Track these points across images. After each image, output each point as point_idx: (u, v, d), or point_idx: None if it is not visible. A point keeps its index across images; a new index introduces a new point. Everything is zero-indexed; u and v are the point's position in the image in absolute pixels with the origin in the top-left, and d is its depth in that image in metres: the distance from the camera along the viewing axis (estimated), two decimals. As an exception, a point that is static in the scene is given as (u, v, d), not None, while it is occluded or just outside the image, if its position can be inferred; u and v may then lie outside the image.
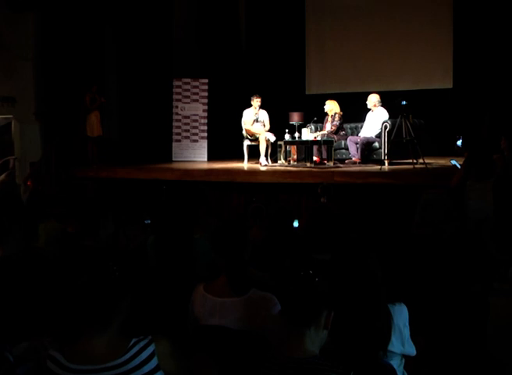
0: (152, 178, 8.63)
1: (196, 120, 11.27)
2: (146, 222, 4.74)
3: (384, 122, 8.67)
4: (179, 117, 11.29)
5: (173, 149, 11.24)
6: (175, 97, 11.27)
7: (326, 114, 9.60)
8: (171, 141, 11.25)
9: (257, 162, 9.22)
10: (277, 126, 9.47)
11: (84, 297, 2.16)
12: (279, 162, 9.48)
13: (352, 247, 2.64)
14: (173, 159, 11.11)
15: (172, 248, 3.62)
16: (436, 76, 11.13)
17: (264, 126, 9.46)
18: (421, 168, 7.84)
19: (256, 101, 9.36)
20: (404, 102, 7.89)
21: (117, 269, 2.18)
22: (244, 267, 2.84)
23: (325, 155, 9.06)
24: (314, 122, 9.64)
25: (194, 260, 3.71)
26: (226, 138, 11.14)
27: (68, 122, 10.07)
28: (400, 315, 2.61)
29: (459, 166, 6.32)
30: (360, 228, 5.08)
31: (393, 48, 11.48)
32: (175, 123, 11.28)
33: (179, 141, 11.28)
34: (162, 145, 11.27)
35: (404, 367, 2.67)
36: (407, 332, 2.62)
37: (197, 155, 11.15)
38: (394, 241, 4.04)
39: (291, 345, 2.15)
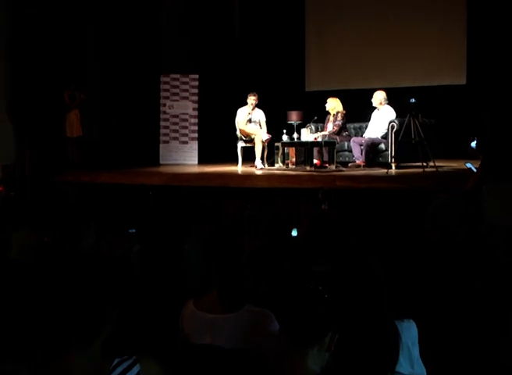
0: (137, 183, 8.63)
1: (185, 120, 11.29)
2: (131, 231, 4.74)
3: (391, 121, 8.70)
4: (167, 116, 11.31)
5: (161, 151, 11.26)
6: (162, 94, 11.30)
7: (328, 113, 9.63)
8: (158, 142, 11.27)
9: (253, 166, 9.23)
10: (274, 126, 9.50)
11: (62, 313, 2.15)
12: (276, 165, 9.51)
13: (353, 253, 2.64)
14: (161, 162, 11.13)
15: (159, 260, 3.62)
16: (448, 70, 11.18)
17: (259, 126, 9.48)
18: (431, 172, 7.87)
19: (251, 99, 9.38)
20: (413, 100, 7.93)
21: (99, 282, 2.18)
22: (238, 280, 2.85)
23: (326, 158, 9.09)
24: (315, 121, 9.66)
25: (184, 273, 3.71)
26: (219, 139, 11.17)
27: (44, 121, 10.08)
28: (409, 332, 2.61)
29: (475, 170, 6.34)
30: (364, 237, 5.09)
31: (401, 41, 11.53)
32: (162, 123, 11.30)
33: (167, 142, 11.29)
34: (149, 147, 11.28)
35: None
36: (416, 351, 2.62)
37: (186, 158, 11.17)
38: (401, 251, 4.05)
39: (292, 365, 2.15)
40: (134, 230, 4.75)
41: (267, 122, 9.55)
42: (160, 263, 3.61)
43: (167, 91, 11.32)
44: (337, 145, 9.09)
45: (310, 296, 2.15)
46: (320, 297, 2.14)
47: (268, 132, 9.43)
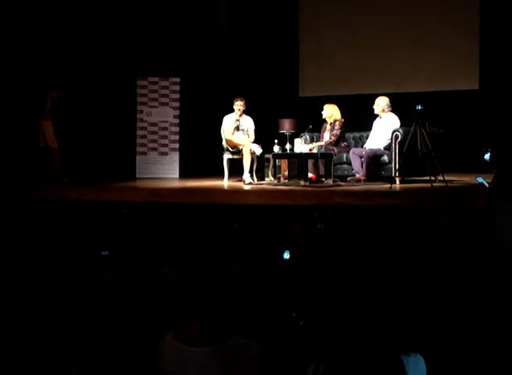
0: (111, 200, 8.59)
1: (165, 128, 11.28)
2: (103, 253, 4.72)
3: (395, 130, 8.72)
4: (145, 124, 11.30)
5: (137, 164, 11.24)
6: (139, 99, 11.30)
7: (324, 121, 9.65)
8: (134, 153, 11.24)
9: (240, 180, 9.22)
10: (264, 136, 9.50)
11: (25, 349, 2.13)
12: (267, 179, 9.50)
13: (351, 276, 2.65)
14: (137, 176, 11.10)
15: (134, 286, 3.61)
16: (459, 74, 11.24)
17: (248, 135, 9.49)
18: (440, 187, 7.89)
19: (238, 105, 9.40)
20: (419, 107, 7.96)
21: (67, 313, 2.16)
22: (223, 309, 2.83)
23: (322, 172, 9.09)
24: (310, 130, 9.67)
25: (162, 300, 3.70)
26: (203, 150, 11.16)
27: (8, 131, 10.07)
28: (416, 369, 2.60)
29: (487, 185, 6.36)
30: (365, 260, 5.09)
31: (407, 42, 11.61)
32: (139, 132, 11.29)
33: (144, 153, 11.28)
34: (124, 159, 11.26)
35: None
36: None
37: (166, 171, 11.15)
38: (407, 275, 4.05)
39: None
40: (107, 253, 4.72)
41: (256, 131, 9.55)
42: (135, 290, 3.59)
43: (144, 95, 11.32)
44: (335, 157, 9.09)
45: (283, 324, 2.15)
46: (295, 324, 2.15)
47: (258, 142, 9.42)
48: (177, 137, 11.28)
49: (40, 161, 9.93)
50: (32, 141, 9.91)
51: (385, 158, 8.91)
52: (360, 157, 8.96)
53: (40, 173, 9.87)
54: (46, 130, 9.86)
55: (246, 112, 9.52)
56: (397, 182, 8.41)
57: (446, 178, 7.96)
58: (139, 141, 11.30)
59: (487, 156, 9.70)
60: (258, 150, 9.26)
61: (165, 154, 11.28)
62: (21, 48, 10.36)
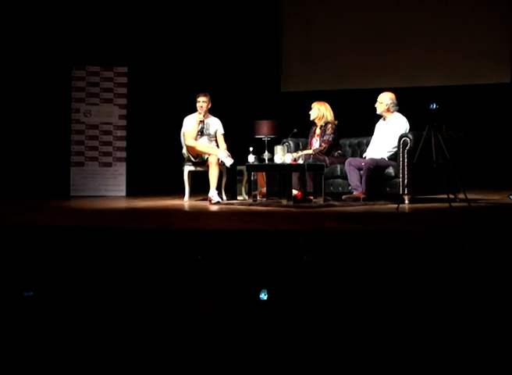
0: (38, 224, 8.59)
1: (109, 132, 11.29)
2: (27, 294, 4.73)
3: (402, 136, 8.77)
4: (82, 127, 11.30)
5: (72, 178, 11.21)
6: (75, 95, 11.30)
7: (313, 124, 9.70)
8: (68, 164, 11.22)
9: (206, 199, 9.26)
10: (236, 143, 9.55)
11: None
12: (240, 198, 9.53)
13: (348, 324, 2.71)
14: (72, 194, 11.08)
15: (69, 332, 3.63)
16: (485, 64, 11.36)
17: (215, 141, 9.54)
18: (460, 207, 7.94)
19: (201, 102, 9.44)
20: (434, 105, 8.01)
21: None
22: (186, 360, 2.88)
23: (310, 188, 9.12)
24: (294, 135, 9.71)
25: (106, 348, 3.72)
26: (157, 161, 11.18)
27: None
28: None
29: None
30: (365, 301, 5.15)
31: (418, 23, 11.71)
32: (75, 137, 11.28)
33: (81, 164, 11.27)
34: (54, 172, 11.24)
35: None
36: None
37: (110, 188, 11.16)
38: (419, 320, 4.11)
39: None
40: (31, 293, 4.74)
41: (226, 136, 9.60)
42: (70, 336, 3.62)
43: (81, 90, 11.31)
44: (326, 170, 9.11)
45: None
46: None
47: (228, 150, 9.46)
48: (124, 144, 11.26)
49: None
50: None
51: (391, 170, 8.94)
52: (359, 169, 8.99)
53: None
54: None
55: (212, 111, 9.57)
56: (406, 201, 8.47)
57: (469, 196, 7.99)
58: (74, 148, 11.27)
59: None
60: (228, 160, 9.26)
61: (109, 165, 11.27)
62: None
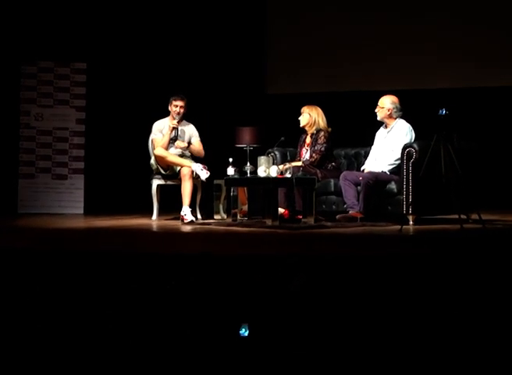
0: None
1: (64, 139, 11.32)
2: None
3: (407, 146, 8.83)
4: (33, 132, 11.34)
5: (20, 192, 11.23)
6: (24, 95, 11.34)
7: (303, 131, 9.76)
8: (16, 176, 11.23)
9: (178, 217, 9.29)
10: (214, 152, 9.59)
11: None
12: (217, 216, 9.58)
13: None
14: (19, 211, 11.09)
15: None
16: (504, 63, 11.46)
17: (189, 150, 9.58)
18: (474, 229, 8.00)
19: (177, 107, 9.49)
20: (444, 111, 8.06)
21: None
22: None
23: (299, 206, 9.17)
24: (281, 145, 9.76)
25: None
26: (120, 173, 11.21)
27: None
28: None
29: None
30: (363, 336, 5.19)
31: (425, 15, 11.81)
32: (24, 144, 11.32)
33: (31, 176, 11.29)
34: (-1, 185, 11.27)
35: None
36: None
37: (65, 204, 11.19)
38: (427, 359, 4.16)
39: None
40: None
41: (202, 144, 9.64)
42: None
43: (32, 89, 11.35)
44: (318, 184, 9.17)
45: None
46: None
47: (204, 161, 9.49)
48: (82, 153, 11.30)
49: None
50: None
51: (393, 186, 9.00)
52: (356, 184, 9.03)
53: None
54: None
55: (187, 116, 9.61)
56: (411, 222, 8.53)
57: (484, 217, 8.05)
58: (23, 157, 11.30)
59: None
60: (204, 173, 9.29)
61: (64, 177, 11.30)
62: None
